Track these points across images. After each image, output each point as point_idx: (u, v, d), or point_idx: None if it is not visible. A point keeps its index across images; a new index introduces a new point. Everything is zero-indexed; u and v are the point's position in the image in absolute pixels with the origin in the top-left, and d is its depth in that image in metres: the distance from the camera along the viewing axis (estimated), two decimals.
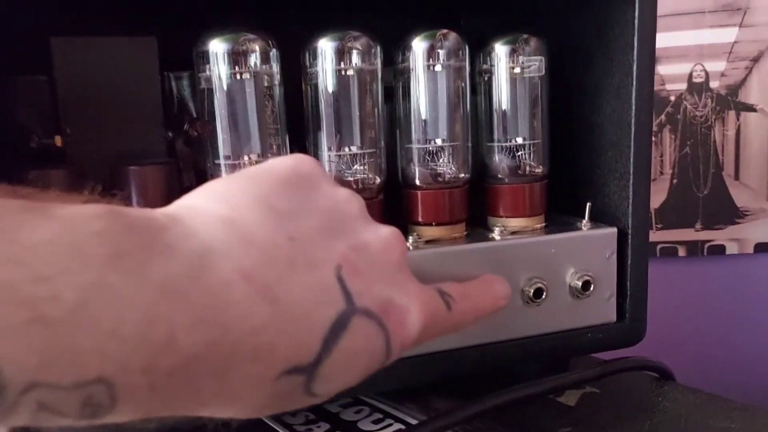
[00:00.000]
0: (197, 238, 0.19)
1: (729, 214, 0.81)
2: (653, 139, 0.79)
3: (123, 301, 0.17)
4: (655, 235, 0.82)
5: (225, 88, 0.36)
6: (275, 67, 0.37)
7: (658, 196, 0.81)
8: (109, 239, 0.17)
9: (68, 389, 0.16)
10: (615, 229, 0.42)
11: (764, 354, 0.85)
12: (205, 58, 0.36)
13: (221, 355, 0.18)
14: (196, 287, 0.18)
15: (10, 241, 0.16)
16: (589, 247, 0.41)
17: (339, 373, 0.22)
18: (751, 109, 0.80)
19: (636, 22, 0.39)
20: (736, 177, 0.81)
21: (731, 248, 0.82)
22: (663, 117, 0.80)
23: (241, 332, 0.19)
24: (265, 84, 0.37)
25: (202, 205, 0.21)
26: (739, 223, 0.82)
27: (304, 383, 0.21)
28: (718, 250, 0.82)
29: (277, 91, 0.38)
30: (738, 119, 0.80)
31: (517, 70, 0.41)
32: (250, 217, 0.21)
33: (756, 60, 0.78)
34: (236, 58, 0.36)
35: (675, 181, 0.81)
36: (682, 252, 0.83)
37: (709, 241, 0.82)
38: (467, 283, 0.30)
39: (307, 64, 0.39)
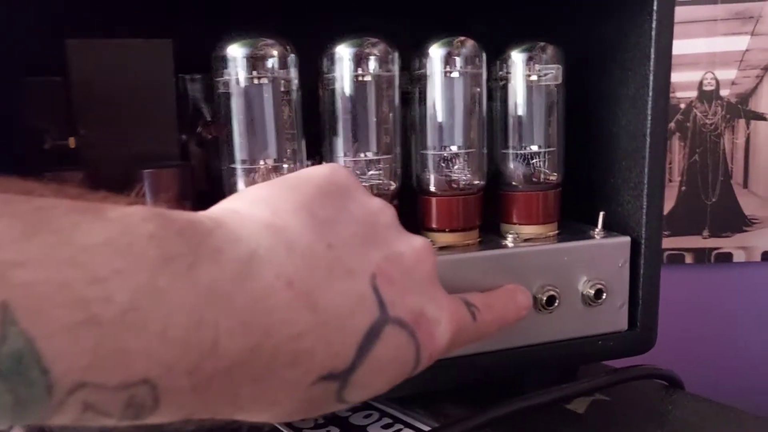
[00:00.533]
0: (243, 243, 0.19)
1: (737, 222, 0.81)
2: None
3: (171, 304, 0.17)
4: (662, 242, 0.81)
5: (243, 92, 0.36)
6: (293, 72, 0.37)
7: (666, 203, 0.80)
8: (159, 242, 0.17)
9: (114, 390, 0.16)
10: (628, 238, 0.42)
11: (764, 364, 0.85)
12: (223, 62, 0.36)
13: (262, 360, 0.19)
14: (241, 292, 0.18)
15: (65, 242, 0.16)
16: (602, 256, 0.41)
17: (370, 381, 0.22)
18: (761, 117, 0.80)
19: (653, 33, 0.39)
20: (745, 185, 0.81)
21: (738, 256, 0.82)
22: (673, 124, 0.80)
23: (282, 338, 0.19)
24: (283, 89, 0.37)
25: (246, 210, 0.21)
26: (747, 231, 0.82)
27: (337, 390, 0.21)
28: (726, 258, 0.82)
29: (295, 96, 0.38)
30: (748, 128, 0.80)
31: (534, 77, 0.41)
32: (292, 223, 0.21)
33: (767, 69, 0.78)
34: (254, 62, 0.36)
35: (683, 188, 0.81)
36: (689, 259, 0.83)
37: (716, 248, 0.82)
38: (490, 293, 0.31)
39: (325, 69, 0.39)
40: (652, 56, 0.40)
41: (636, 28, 0.40)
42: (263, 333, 0.18)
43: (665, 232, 0.82)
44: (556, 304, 0.40)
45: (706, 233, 0.82)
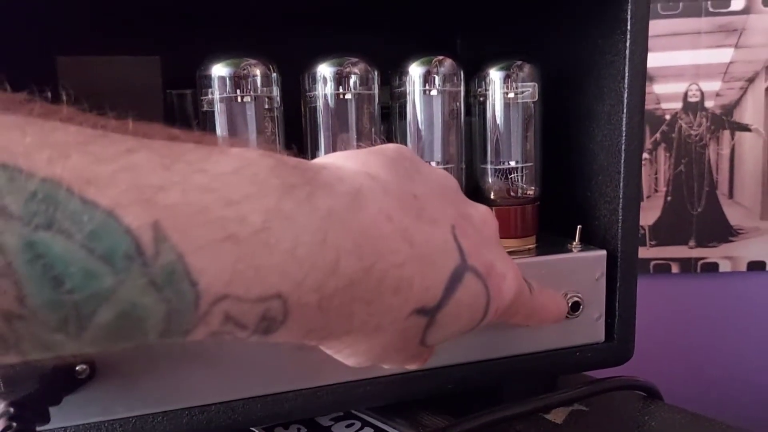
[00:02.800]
0: (347, 181, 0.21)
1: (722, 232, 0.82)
2: (648, 156, 0.80)
3: (297, 225, 0.18)
4: (648, 252, 0.82)
5: (226, 110, 0.37)
6: (275, 91, 0.38)
7: (652, 214, 0.82)
8: (280, 172, 0.19)
9: (252, 302, 0.18)
10: (604, 252, 0.42)
11: (755, 372, 0.86)
12: (207, 81, 0.37)
13: (373, 282, 0.21)
14: (354, 219, 0.20)
15: (199, 170, 0.17)
16: (579, 269, 0.42)
17: (449, 323, 0.24)
18: (745, 128, 0.80)
19: (627, 51, 0.40)
20: (730, 195, 0.81)
21: (724, 266, 0.83)
22: (658, 135, 0.80)
23: (389, 263, 0.21)
24: (266, 107, 0.38)
25: (339, 162, 0.23)
26: (732, 241, 0.82)
27: (424, 327, 0.23)
28: (712, 268, 0.83)
29: (277, 113, 0.39)
30: (732, 138, 0.80)
31: (511, 95, 0.42)
32: (382, 173, 0.23)
33: (751, 80, 0.79)
34: (238, 81, 0.37)
35: (669, 198, 0.81)
36: (675, 269, 0.83)
37: (702, 258, 0.83)
38: (544, 288, 0.33)
39: (307, 87, 0.40)
40: (627, 74, 0.40)
41: (611, 46, 0.41)
42: (375, 256, 0.20)
43: (652, 242, 0.82)
44: None
45: (692, 243, 0.82)
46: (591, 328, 0.43)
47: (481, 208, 0.27)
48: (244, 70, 0.37)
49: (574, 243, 0.43)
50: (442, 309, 0.23)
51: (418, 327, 0.23)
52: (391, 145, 0.27)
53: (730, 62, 0.79)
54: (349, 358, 0.24)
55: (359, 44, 0.41)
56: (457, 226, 0.24)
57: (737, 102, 0.80)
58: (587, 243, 0.43)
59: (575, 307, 0.41)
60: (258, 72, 0.37)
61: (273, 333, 0.19)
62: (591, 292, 0.42)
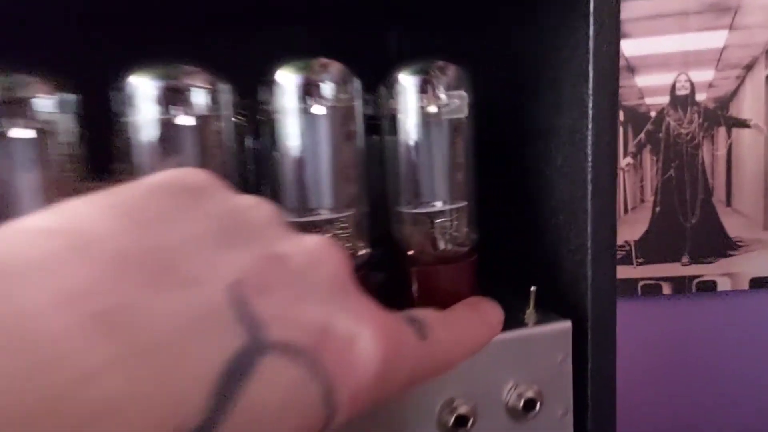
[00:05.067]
0: None
1: (720, 245, 0.76)
2: (632, 161, 0.72)
3: None
4: (635, 272, 0.76)
5: (156, 134, 0.26)
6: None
7: (638, 227, 0.75)
8: None
9: None
10: (569, 322, 0.32)
11: (764, 409, 0.77)
12: (128, 99, 0.26)
13: (40, 413, 0.13)
14: None
15: None
16: (535, 349, 0.31)
17: None
18: (743, 124, 0.73)
19: (590, 42, 0.29)
20: (728, 203, 0.75)
21: (723, 284, 0.77)
22: (642, 136, 0.73)
23: (64, 381, 0.14)
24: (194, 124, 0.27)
25: (23, 222, 0.17)
26: (732, 255, 0.76)
27: None
28: (709, 287, 0.77)
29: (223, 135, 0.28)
30: (729, 136, 0.73)
31: (432, 109, 0.30)
32: (87, 225, 0.16)
33: (749, 68, 0.71)
34: (169, 96, 0.26)
35: (658, 209, 0.75)
36: (667, 290, 0.77)
37: (697, 276, 0.77)
38: (448, 309, 0.25)
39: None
40: (591, 75, 0.30)
41: (568, 36, 0.30)
42: (35, 371, 0.14)
43: (639, 260, 0.76)
44: (470, 425, 0.29)
45: (685, 259, 0.76)
46: (554, 431, 0.32)
47: (309, 242, 0.19)
48: (176, 81, 0.26)
49: (527, 311, 0.32)
50: (220, 426, 0.15)
51: None
52: (167, 172, 0.19)
53: (724, 47, 0.71)
54: None
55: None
56: (249, 280, 0.17)
57: (733, 93, 0.72)
58: (545, 309, 0.32)
59: (529, 405, 0.30)
60: (197, 83, 0.26)
61: None
62: (552, 381, 0.31)
